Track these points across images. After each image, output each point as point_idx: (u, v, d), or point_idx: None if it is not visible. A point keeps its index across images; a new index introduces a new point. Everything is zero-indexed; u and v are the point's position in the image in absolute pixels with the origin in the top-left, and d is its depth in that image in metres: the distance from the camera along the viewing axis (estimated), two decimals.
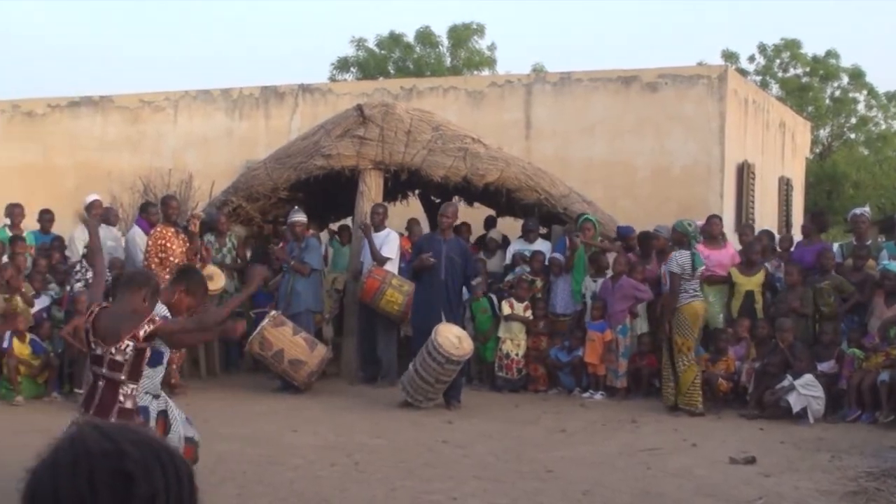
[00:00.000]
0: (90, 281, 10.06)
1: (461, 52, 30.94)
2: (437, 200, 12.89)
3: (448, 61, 30.72)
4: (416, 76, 24.23)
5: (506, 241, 12.96)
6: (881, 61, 54.31)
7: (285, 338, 10.66)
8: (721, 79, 14.98)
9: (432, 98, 16.01)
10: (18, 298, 10.60)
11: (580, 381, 11.22)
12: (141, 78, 60.06)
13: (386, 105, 12.44)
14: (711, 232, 11.24)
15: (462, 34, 30.73)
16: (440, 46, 30.98)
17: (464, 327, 10.58)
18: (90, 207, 12.10)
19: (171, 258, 10.80)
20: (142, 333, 5.17)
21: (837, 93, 31.97)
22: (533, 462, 7.75)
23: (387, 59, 30.95)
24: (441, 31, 30.96)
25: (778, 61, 32.07)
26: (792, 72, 32.03)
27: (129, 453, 1.45)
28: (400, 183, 12.58)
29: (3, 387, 10.39)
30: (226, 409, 9.88)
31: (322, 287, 12.01)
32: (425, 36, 30.75)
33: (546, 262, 11.81)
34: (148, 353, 5.32)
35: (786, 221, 17.83)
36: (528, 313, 11.42)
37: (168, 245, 10.98)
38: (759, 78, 31.06)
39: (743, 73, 27.30)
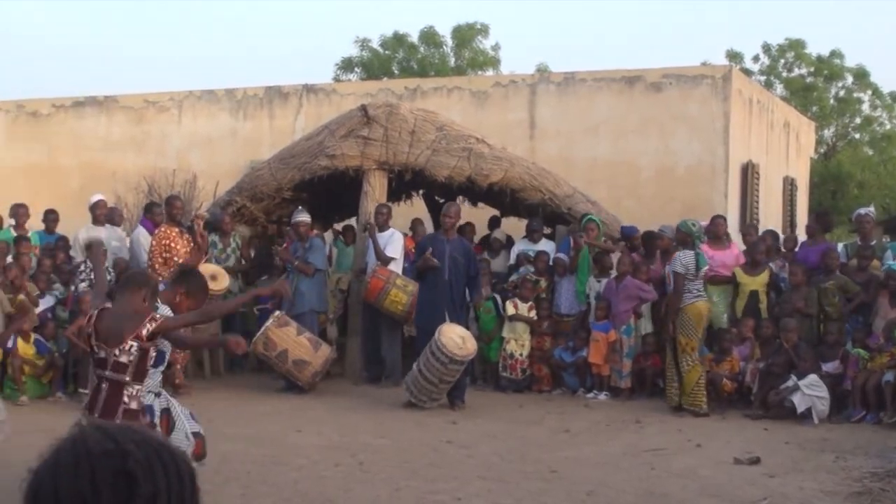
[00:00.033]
0: (94, 280, 10.06)
1: (465, 53, 30.89)
2: (441, 200, 12.88)
3: (452, 61, 30.68)
4: (420, 76, 24.20)
5: (510, 242, 12.94)
6: (886, 61, 54.29)
7: (289, 338, 10.66)
8: (725, 79, 14.95)
9: (436, 98, 15.99)
10: (23, 298, 10.61)
11: (584, 382, 11.21)
12: (144, 78, 60.22)
13: (390, 105, 12.45)
14: (716, 232, 11.23)
15: (466, 34, 30.69)
16: (444, 46, 30.93)
17: (468, 327, 10.58)
18: (92, 243, 11.90)
19: (175, 258, 10.80)
20: (144, 332, 5.17)
21: (842, 93, 31.93)
22: (537, 462, 7.75)
23: (391, 59, 30.93)
24: (445, 31, 30.95)
25: (782, 61, 32.04)
26: (796, 72, 32.00)
27: (131, 453, 1.45)
28: (404, 183, 12.59)
29: (8, 387, 10.40)
30: (230, 409, 9.89)
31: (326, 287, 12.01)
32: (429, 36, 30.71)
33: (550, 263, 11.81)
34: (153, 354, 5.32)
35: (790, 221, 17.79)
36: (533, 313, 11.42)
37: (172, 245, 10.99)
38: (763, 78, 31.01)
39: (747, 73, 27.25)
